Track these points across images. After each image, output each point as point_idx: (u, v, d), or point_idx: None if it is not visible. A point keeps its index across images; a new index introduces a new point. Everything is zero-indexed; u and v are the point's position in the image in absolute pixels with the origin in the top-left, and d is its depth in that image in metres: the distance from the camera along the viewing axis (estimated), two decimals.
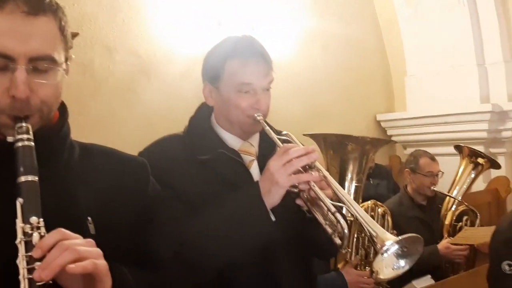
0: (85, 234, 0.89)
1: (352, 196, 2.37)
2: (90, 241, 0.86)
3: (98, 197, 1.01)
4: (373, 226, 1.11)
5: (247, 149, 1.43)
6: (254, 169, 1.41)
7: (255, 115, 1.36)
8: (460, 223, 3.09)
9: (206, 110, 1.48)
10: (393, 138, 4.60)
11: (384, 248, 1.08)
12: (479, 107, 3.84)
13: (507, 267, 1.83)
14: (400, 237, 1.09)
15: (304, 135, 2.38)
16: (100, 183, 1.04)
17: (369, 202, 2.69)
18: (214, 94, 1.42)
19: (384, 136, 4.61)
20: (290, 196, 1.26)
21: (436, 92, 4.13)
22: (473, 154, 3.15)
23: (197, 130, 1.44)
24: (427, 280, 2.54)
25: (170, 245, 1.14)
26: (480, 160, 3.14)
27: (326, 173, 1.25)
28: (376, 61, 4.60)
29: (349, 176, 2.32)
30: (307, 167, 1.24)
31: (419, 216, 3.08)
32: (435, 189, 3.08)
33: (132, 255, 1.03)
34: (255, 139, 1.45)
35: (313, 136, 2.37)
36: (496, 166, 3.17)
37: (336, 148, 2.34)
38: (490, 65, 3.90)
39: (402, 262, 1.14)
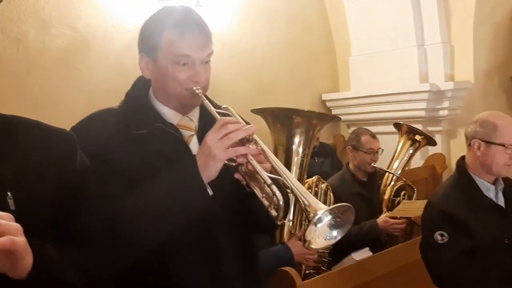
0: (4, 209, 0.86)
1: (298, 169, 2.41)
2: (8, 215, 0.82)
3: (19, 171, 0.97)
4: (307, 197, 1.12)
5: (187, 124, 1.40)
6: (194, 144, 1.38)
7: (194, 88, 1.33)
8: (398, 198, 3.22)
9: (143, 83, 1.43)
10: None
11: (317, 217, 1.09)
12: (418, 86, 3.97)
13: (439, 237, 1.92)
14: (332, 206, 1.11)
15: (251, 111, 2.38)
16: (22, 156, 0.99)
17: (313, 178, 2.74)
18: (151, 66, 1.37)
19: None
20: (228, 170, 1.25)
21: (378, 72, 4.23)
22: (411, 132, 3.27)
23: (134, 104, 1.38)
24: (366, 252, 2.63)
25: (102, 221, 1.11)
26: (417, 137, 3.26)
27: (264, 147, 1.24)
28: (322, 41, 4.65)
29: (295, 150, 2.36)
30: (245, 140, 1.22)
31: (360, 192, 3.17)
32: (375, 165, 3.18)
33: (58, 231, 1.00)
34: (195, 114, 1.42)
35: (260, 111, 2.38)
36: (432, 143, 3.31)
37: (284, 122, 2.37)
38: (429, 46, 4.03)
39: (334, 233, 1.15)
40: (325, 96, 4.57)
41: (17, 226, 0.83)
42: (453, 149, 4.08)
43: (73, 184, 1.06)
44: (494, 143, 1.96)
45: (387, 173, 3.23)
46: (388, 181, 3.24)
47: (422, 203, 2.66)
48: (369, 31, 4.27)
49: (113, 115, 1.37)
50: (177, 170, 1.22)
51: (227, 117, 1.28)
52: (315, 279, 2.18)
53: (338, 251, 2.83)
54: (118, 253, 1.15)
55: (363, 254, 2.58)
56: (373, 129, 3.53)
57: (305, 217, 2.49)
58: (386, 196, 3.22)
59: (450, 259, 1.88)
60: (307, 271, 2.37)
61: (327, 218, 1.13)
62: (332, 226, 1.14)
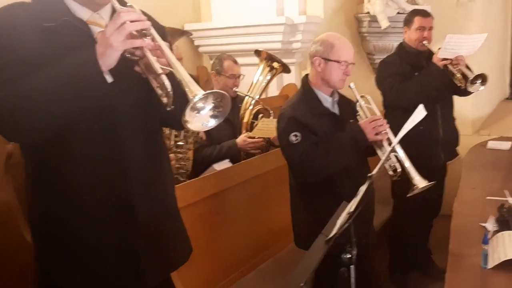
0: None
1: None
2: None
3: None
4: (190, 84, 1.23)
5: (96, 20, 1.43)
6: None
7: None
8: (256, 121, 3.48)
9: None
10: (200, 49, 4.78)
11: (196, 98, 1.20)
12: (275, 19, 4.22)
13: (293, 138, 2.21)
14: (208, 91, 1.23)
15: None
16: None
17: None
18: None
19: (192, 46, 4.76)
20: (132, 63, 1.34)
21: (238, 4, 4.38)
22: (270, 58, 3.52)
23: None
24: (226, 163, 2.85)
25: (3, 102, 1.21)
26: (275, 64, 3.53)
27: (162, 43, 1.32)
28: None
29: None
30: (142, 34, 1.30)
31: None
32: (236, 90, 3.38)
33: None
34: (106, 11, 1.45)
35: None
36: (287, 70, 3.60)
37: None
38: None
39: (212, 122, 1.29)
40: (187, 26, 4.59)
41: None
42: None
43: None
44: (331, 60, 2.25)
45: (246, 97, 3.45)
46: (248, 105, 3.48)
47: None
48: None
49: (25, 8, 1.38)
50: (77, 57, 1.28)
51: (125, 8, 1.33)
52: (179, 186, 2.32)
53: (200, 168, 3.03)
54: (14, 134, 1.29)
55: (224, 165, 2.79)
56: None
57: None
58: (245, 119, 3.46)
59: (304, 149, 2.17)
60: None
61: (209, 107, 1.26)
62: (212, 116, 1.29)
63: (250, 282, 2.60)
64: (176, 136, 2.74)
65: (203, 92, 1.23)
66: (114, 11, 1.43)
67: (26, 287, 2.02)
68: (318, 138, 2.22)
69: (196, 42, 4.68)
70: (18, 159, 2.04)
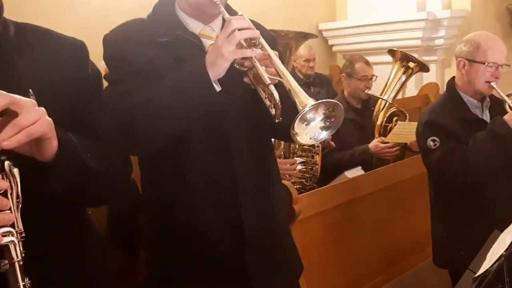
0: None
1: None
2: (32, 101, 0.88)
3: (37, 71, 1.02)
4: (300, 94, 1.17)
5: (208, 33, 1.44)
6: None
7: None
8: (391, 124, 3.30)
9: None
10: (335, 48, 4.70)
11: (306, 108, 1.13)
12: (415, 15, 3.96)
13: (432, 143, 2.04)
14: (319, 101, 1.15)
15: None
16: (38, 59, 1.04)
17: None
18: None
19: (326, 46, 4.69)
20: (241, 74, 1.31)
21: (376, 0, 4.19)
22: (405, 58, 3.30)
23: (159, 14, 1.44)
24: (358, 171, 2.75)
25: (118, 115, 1.22)
26: (410, 64, 3.30)
27: (271, 52, 1.28)
28: None
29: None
30: (251, 44, 1.27)
31: (354, 118, 3.23)
32: (369, 92, 3.24)
33: (75, 131, 1.04)
34: (217, 24, 1.46)
35: None
36: (425, 69, 3.34)
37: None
38: None
39: (323, 134, 1.21)
40: (322, 26, 4.54)
41: (42, 109, 0.88)
42: (447, 78, 4.05)
43: (87, 88, 1.12)
44: (476, 61, 2.02)
45: (380, 100, 3.29)
46: (381, 107, 3.31)
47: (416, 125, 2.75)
48: None
49: (140, 24, 1.44)
50: (188, 67, 1.30)
51: (235, 16, 1.30)
52: (309, 193, 2.30)
53: (333, 172, 2.97)
54: (133, 146, 1.28)
55: (356, 172, 2.70)
56: (369, 59, 3.54)
57: None
58: (378, 122, 3.30)
59: (442, 153, 2.00)
60: (295, 187, 2.47)
61: (319, 118, 1.18)
62: (323, 127, 1.21)
63: None
64: None
65: (314, 102, 1.15)
66: (224, 23, 1.40)
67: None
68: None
69: (331, 42, 4.60)
70: None
